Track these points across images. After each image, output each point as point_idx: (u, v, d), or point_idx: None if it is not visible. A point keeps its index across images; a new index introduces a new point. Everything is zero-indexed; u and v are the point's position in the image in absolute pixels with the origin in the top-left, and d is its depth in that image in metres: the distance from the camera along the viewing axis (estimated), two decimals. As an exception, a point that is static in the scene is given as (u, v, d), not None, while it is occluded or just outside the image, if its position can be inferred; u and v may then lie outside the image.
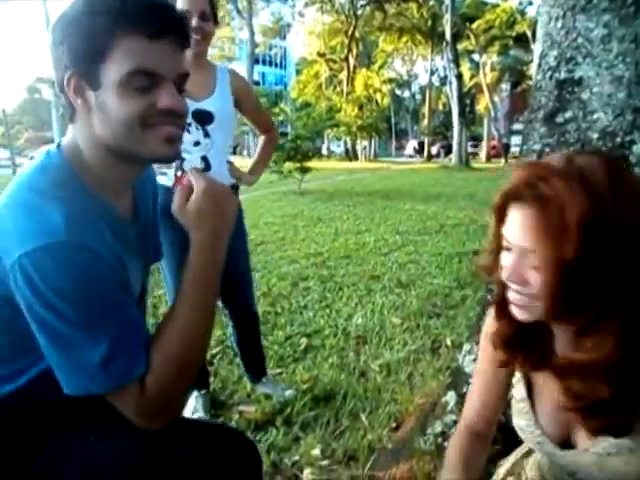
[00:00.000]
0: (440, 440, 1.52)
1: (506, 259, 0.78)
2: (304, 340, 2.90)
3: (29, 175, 0.82)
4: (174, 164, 2.12)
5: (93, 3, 0.76)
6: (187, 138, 1.94)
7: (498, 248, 0.81)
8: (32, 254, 0.72)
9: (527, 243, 0.73)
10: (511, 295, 0.80)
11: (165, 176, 1.84)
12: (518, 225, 0.75)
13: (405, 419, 1.92)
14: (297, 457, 1.81)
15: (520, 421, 0.95)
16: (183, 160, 2.02)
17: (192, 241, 0.86)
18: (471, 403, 1.04)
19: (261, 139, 2.31)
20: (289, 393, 2.26)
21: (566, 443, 0.89)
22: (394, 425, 1.95)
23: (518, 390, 0.96)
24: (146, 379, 0.80)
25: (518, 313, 0.80)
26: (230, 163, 2.11)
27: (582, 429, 0.85)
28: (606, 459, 0.83)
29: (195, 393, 2.27)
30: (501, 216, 0.78)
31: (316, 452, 1.82)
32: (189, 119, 1.93)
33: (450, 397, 1.56)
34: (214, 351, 2.69)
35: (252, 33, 25.75)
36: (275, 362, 2.63)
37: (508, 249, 0.78)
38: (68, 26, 0.77)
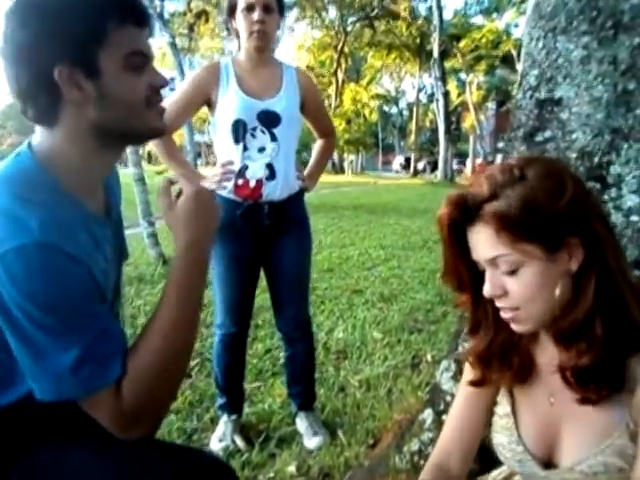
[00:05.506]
0: (416, 458, 1.50)
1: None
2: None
3: (1, 178, 0.80)
4: (232, 174, 1.79)
5: None
6: (252, 144, 1.75)
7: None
8: (4, 256, 0.71)
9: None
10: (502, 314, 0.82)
11: (225, 190, 1.70)
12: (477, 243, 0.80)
13: (383, 436, 1.89)
14: (272, 474, 1.77)
15: (502, 438, 0.93)
16: (246, 168, 1.77)
17: (176, 243, 0.87)
18: (446, 434, 1.01)
19: (319, 143, 2.14)
20: (317, 441, 1.97)
21: (549, 464, 0.87)
22: (371, 442, 1.93)
23: (502, 406, 0.94)
24: (122, 384, 0.77)
25: (516, 328, 0.82)
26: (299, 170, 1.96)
27: (567, 445, 0.84)
28: (593, 479, 0.80)
29: None
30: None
31: (291, 469, 1.79)
32: (254, 122, 1.75)
33: (427, 415, 1.54)
34: (192, 363, 2.64)
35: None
36: (254, 376, 2.60)
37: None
38: (59, 15, 0.75)
